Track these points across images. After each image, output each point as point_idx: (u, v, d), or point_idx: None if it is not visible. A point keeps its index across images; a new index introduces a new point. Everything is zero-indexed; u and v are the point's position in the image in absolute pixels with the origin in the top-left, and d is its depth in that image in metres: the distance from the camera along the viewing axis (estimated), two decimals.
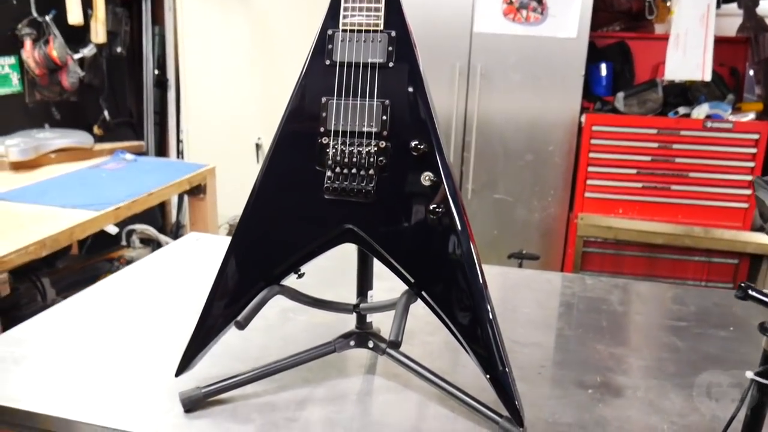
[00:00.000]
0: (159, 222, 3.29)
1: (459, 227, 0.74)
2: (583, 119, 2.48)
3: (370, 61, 0.76)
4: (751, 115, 2.36)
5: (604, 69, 2.60)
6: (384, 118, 0.76)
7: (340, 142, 0.77)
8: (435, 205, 0.74)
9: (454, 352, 0.97)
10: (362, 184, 0.76)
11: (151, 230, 2.82)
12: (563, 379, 0.91)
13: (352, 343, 0.88)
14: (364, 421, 0.80)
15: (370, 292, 0.90)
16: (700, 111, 2.36)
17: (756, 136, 2.32)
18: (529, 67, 2.49)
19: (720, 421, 0.81)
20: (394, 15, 0.75)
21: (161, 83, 3.38)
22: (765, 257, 2.43)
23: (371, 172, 0.76)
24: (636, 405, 0.85)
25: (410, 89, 0.75)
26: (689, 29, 2.17)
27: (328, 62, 0.77)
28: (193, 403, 0.80)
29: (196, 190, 2.35)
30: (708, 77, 2.23)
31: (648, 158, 2.45)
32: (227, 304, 0.82)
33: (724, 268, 2.48)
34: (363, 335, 0.88)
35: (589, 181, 2.53)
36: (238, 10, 3.15)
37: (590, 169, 2.51)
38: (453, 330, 0.76)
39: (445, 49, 2.53)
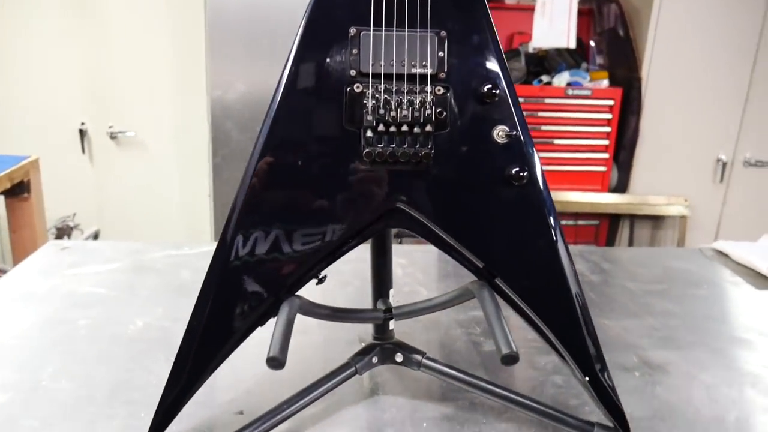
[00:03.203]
0: None
1: (544, 194, 0.58)
2: None
3: None
4: (605, 83, 2.48)
5: None
6: (441, 54, 0.56)
7: (382, 90, 0.55)
8: (518, 168, 0.56)
9: (453, 352, 0.81)
10: (415, 146, 0.56)
11: None
12: None
13: (375, 360, 0.67)
14: None
15: (391, 291, 0.69)
16: (561, 79, 2.43)
17: (611, 102, 2.45)
18: None
19: None
20: None
21: None
22: (621, 217, 2.59)
23: (428, 128, 0.56)
24: (694, 384, 0.76)
25: (472, 15, 0.56)
26: None
27: None
28: None
29: (18, 189, 1.88)
30: (573, 45, 2.29)
31: None
32: (223, 336, 0.56)
33: (587, 229, 2.60)
34: (388, 348, 0.68)
35: None
36: None
37: None
38: (538, 325, 0.59)
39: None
